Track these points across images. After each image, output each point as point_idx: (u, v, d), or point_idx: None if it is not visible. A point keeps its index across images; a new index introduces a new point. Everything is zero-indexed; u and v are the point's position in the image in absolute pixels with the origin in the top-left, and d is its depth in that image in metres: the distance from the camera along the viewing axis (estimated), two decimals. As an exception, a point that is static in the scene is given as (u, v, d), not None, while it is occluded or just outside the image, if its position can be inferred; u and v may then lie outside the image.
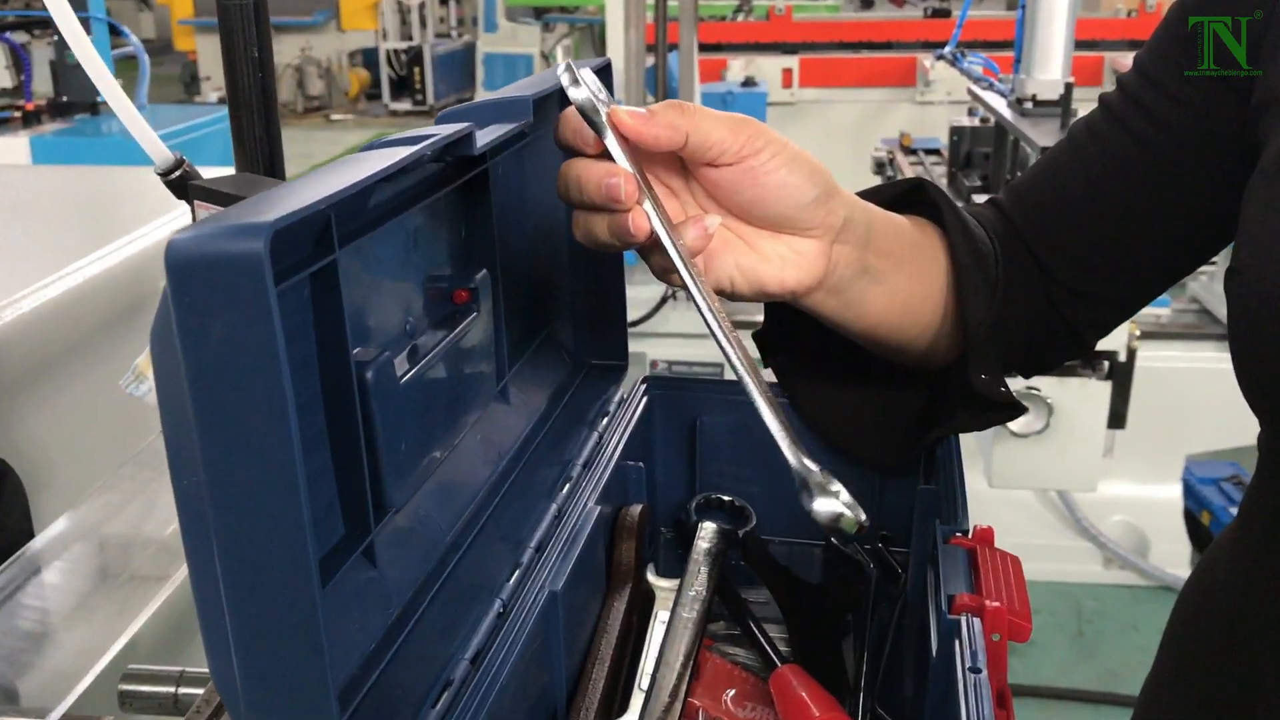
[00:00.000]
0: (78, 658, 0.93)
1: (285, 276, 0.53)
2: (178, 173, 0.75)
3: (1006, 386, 0.78)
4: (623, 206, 0.63)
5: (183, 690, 0.88)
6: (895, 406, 0.84)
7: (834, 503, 0.62)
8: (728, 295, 0.70)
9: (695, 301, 0.64)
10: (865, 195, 0.78)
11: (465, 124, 0.61)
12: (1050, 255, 0.82)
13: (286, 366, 0.42)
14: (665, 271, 0.65)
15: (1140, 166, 0.79)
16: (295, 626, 0.47)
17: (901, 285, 0.76)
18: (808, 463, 0.63)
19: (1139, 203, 0.79)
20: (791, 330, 0.83)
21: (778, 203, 0.67)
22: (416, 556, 0.66)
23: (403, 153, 0.53)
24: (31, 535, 1.13)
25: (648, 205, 0.64)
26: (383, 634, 0.60)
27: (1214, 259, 0.85)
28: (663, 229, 0.64)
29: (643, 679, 0.75)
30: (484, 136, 0.65)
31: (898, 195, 0.81)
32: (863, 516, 0.63)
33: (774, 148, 0.66)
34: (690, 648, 0.76)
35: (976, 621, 0.63)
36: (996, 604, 0.64)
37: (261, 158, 0.87)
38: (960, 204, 0.82)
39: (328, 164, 0.53)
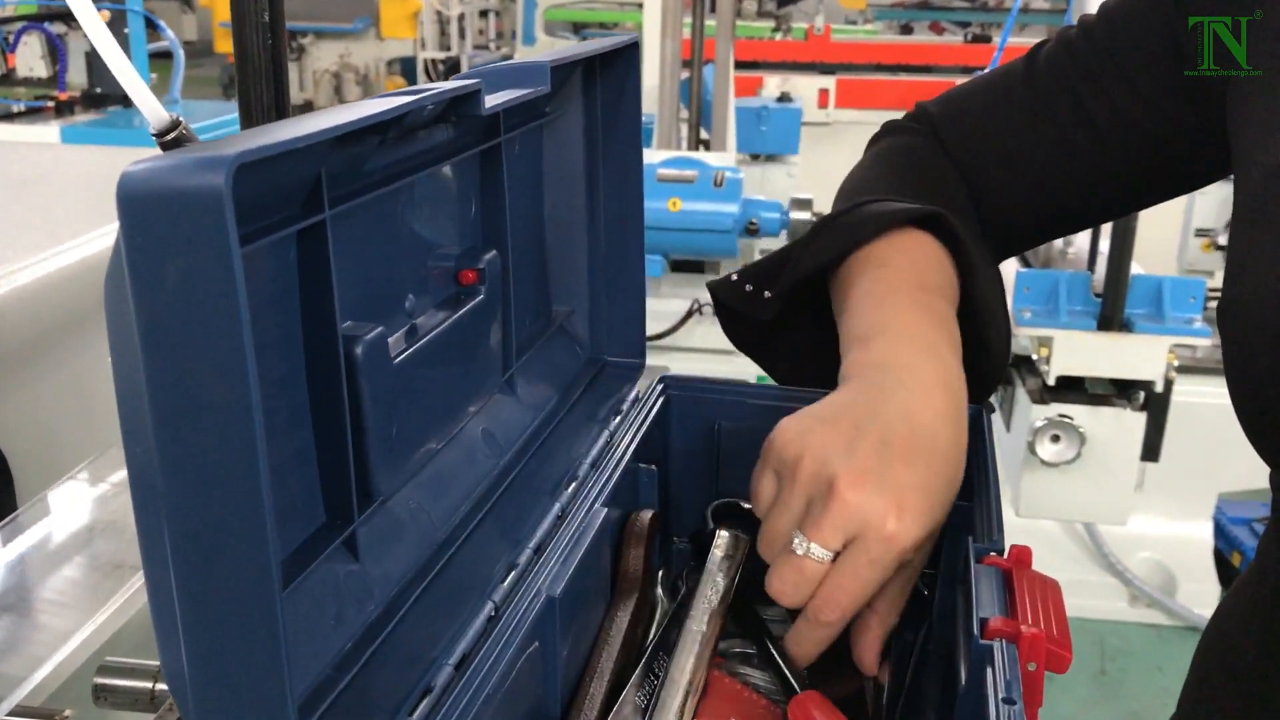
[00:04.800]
0: (55, 648, 0.88)
1: (266, 232, 0.48)
2: (174, 134, 0.70)
3: None
4: None
5: (160, 686, 0.83)
6: None
7: None
8: None
9: None
10: (883, 206, 0.78)
11: (474, 80, 0.56)
12: (972, 179, 0.85)
13: (248, 319, 0.37)
14: None
15: (1096, 123, 0.80)
16: (251, 627, 0.41)
17: None
18: None
19: (1075, 157, 0.82)
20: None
21: None
22: (404, 551, 0.60)
23: (401, 101, 0.48)
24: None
25: None
26: (361, 632, 0.55)
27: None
28: None
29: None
30: (494, 99, 0.60)
31: (919, 216, 0.78)
32: None
33: None
34: (698, 665, 0.70)
35: (1011, 648, 0.57)
36: (1034, 630, 0.58)
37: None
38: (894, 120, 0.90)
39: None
